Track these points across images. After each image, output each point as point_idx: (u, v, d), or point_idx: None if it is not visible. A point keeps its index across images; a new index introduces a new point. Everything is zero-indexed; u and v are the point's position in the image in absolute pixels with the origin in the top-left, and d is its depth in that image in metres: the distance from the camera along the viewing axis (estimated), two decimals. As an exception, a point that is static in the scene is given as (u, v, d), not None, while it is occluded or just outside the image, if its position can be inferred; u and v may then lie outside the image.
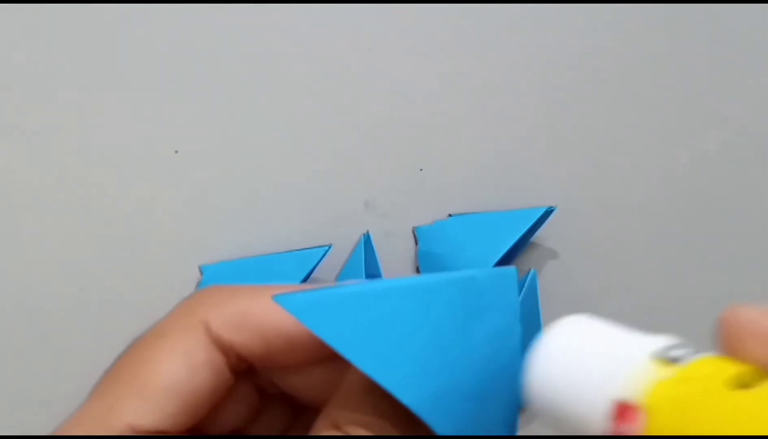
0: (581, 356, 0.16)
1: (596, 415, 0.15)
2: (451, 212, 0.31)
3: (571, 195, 0.31)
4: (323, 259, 0.29)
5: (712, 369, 0.14)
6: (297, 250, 0.30)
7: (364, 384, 0.17)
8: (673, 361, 0.14)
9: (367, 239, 0.30)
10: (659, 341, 0.15)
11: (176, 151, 0.30)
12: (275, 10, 0.29)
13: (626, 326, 0.16)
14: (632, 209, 0.31)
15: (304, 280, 0.29)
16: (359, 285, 0.17)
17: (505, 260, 0.30)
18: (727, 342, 0.15)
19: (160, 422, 0.17)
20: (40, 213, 0.29)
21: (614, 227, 0.31)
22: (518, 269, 0.31)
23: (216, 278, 0.30)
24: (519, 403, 0.18)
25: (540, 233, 0.30)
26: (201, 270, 0.30)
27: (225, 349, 0.18)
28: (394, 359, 0.17)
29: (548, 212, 0.30)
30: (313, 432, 0.17)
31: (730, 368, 0.14)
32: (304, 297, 0.17)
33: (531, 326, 0.31)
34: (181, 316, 0.19)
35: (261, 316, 0.18)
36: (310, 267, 0.29)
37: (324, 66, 0.30)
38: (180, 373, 0.18)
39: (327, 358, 0.19)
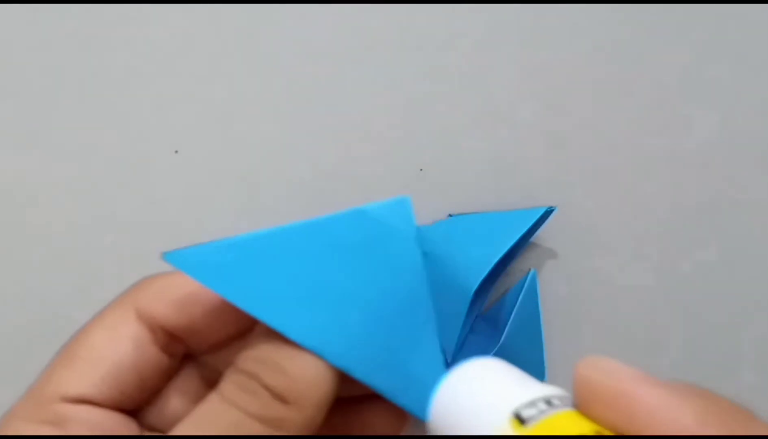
0: (469, 403, 0.16)
1: None
2: (451, 212, 0.31)
3: (571, 195, 0.31)
4: (323, 259, 0.29)
5: (554, 432, 0.14)
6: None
7: (266, 327, 0.17)
8: (524, 421, 0.15)
9: (367, 239, 0.30)
10: (522, 397, 0.15)
11: (176, 151, 0.30)
12: (275, 10, 0.29)
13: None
14: (633, 209, 0.31)
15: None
16: (247, 233, 0.17)
17: (505, 260, 0.30)
18: (578, 399, 0.15)
19: (85, 390, 0.18)
20: (40, 213, 0.29)
21: (614, 227, 0.31)
22: (518, 268, 0.31)
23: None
24: (431, 324, 0.18)
25: (540, 232, 0.30)
26: (201, 270, 0.30)
27: (149, 323, 0.19)
28: (280, 298, 0.17)
29: (548, 212, 0.30)
30: (221, 379, 0.18)
31: (572, 430, 0.14)
32: (188, 250, 0.17)
33: (531, 326, 0.31)
34: (116, 299, 0.20)
35: (178, 286, 0.19)
36: (310, 267, 0.29)
37: (324, 66, 0.30)
38: (103, 345, 0.18)
39: (252, 327, 0.19)
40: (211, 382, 0.20)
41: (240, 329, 0.20)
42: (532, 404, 0.15)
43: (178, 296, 0.19)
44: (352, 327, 0.17)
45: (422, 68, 0.30)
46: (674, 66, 0.31)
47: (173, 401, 0.20)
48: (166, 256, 0.17)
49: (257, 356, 0.17)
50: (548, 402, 0.15)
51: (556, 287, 0.31)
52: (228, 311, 0.19)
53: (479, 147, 0.31)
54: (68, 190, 0.29)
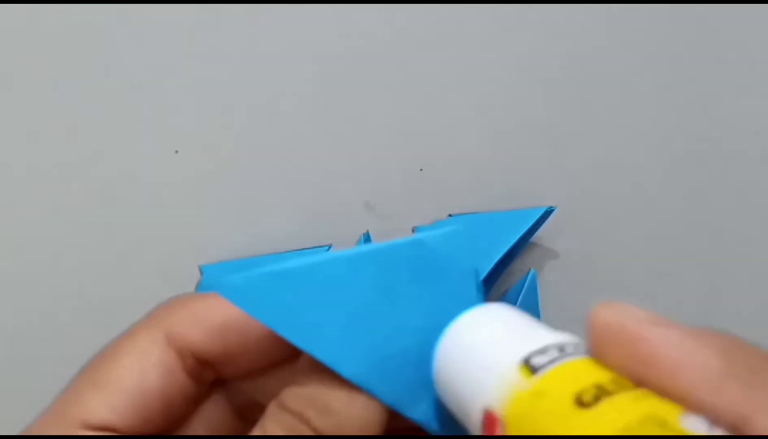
0: (475, 352, 0.15)
1: (475, 418, 0.14)
2: (451, 212, 0.31)
3: (571, 195, 0.31)
4: (323, 259, 0.29)
5: (567, 380, 0.13)
6: (297, 250, 0.30)
7: (312, 361, 0.17)
8: (535, 370, 0.14)
9: (367, 239, 0.30)
10: (532, 344, 0.14)
11: (176, 151, 0.30)
12: (275, 10, 0.29)
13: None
14: (633, 209, 0.31)
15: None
16: (295, 260, 0.16)
17: (505, 260, 0.30)
18: (593, 345, 0.14)
19: (109, 419, 0.17)
20: (40, 213, 0.29)
21: (614, 227, 0.31)
22: (518, 268, 0.31)
23: (216, 278, 0.30)
24: None
25: (540, 232, 0.30)
26: (201, 270, 0.30)
27: (180, 349, 0.18)
28: (331, 331, 0.16)
29: (548, 212, 0.30)
30: (264, 416, 0.17)
31: (587, 378, 0.13)
32: (234, 278, 0.16)
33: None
34: (146, 320, 0.19)
35: (214, 312, 0.18)
36: (310, 267, 0.29)
37: (324, 66, 0.30)
38: (130, 371, 0.18)
39: (290, 355, 0.18)
40: (237, 409, 0.20)
41: (276, 358, 0.19)
42: (542, 351, 0.14)
43: (213, 323, 0.18)
44: (403, 363, 0.16)
45: (422, 68, 0.30)
46: (674, 66, 0.31)
47: (198, 428, 0.19)
48: (217, 286, 0.16)
49: (304, 394, 0.17)
50: (561, 349, 0.14)
51: (556, 287, 0.31)
52: (265, 339, 0.18)
53: (479, 147, 0.31)
54: (67, 189, 0.29)
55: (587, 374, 0.13)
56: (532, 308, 0.31)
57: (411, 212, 0.31)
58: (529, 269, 0.31)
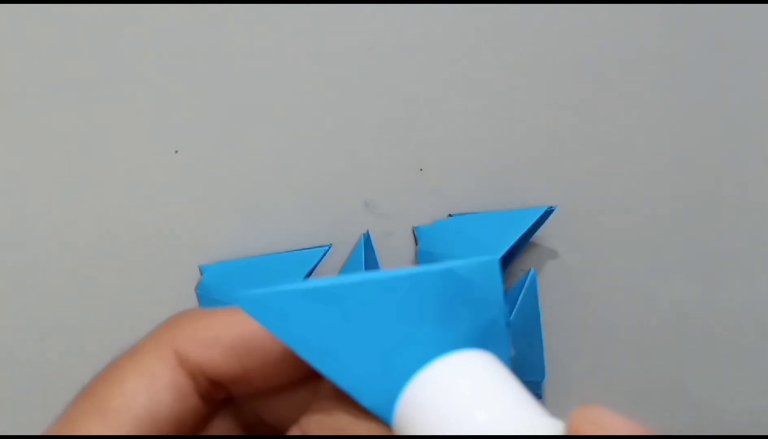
0: (457, 416, 0.14)
1: None
2: (451, 212, 0.31)
3: (571, 195, 0.31)
4: (323, 259, 0.29)
5: None
6: (297, 250, 0.30)
7: (336, 388, 0.16)
8: None
9: (367, 239, 0.30)
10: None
11: (176, 151, 0.30)
12: (275, 10, 0.29)
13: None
14: (633, 209, 0.31)
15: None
16: (326, 279, 0.16)
17: (505, 260, 0.30)
18: None
19: None
20: (40, 213, 0.29)
21: (614, 227, 0.31)
22: (518, 268, 0.31)
23: (216, 278, 0.30)
24: None
25: (540, 232, 0.30)
26: (201, 270, 0.30)
27: (193, 371, 0.17)
28: (357, 358, 0.15)
29: (548, 212, 0.30)
30: None
31: None
32: (260, 293, 0.15)
33: (531, 325, 0.31)
34: (152, 337, 0.18)
35: (231, 331, 0.17)
36: (310, 267, 0.29)
37: (324, 66, 0.30)
38: (140, 394, 0.17)
39: (309, 376, 0.17)
40: (244, 425, 0.19)
41: (292, 379, 0.18)
42: None
43: (227, 342, 0.17)
44: None
45: (422, 68, 0.30)
46: (675, 66, 0.31)
47: None
48: (240, 300, 0.15)
49: (330, 425, 0.16)
50: None
51: (556, 287, 0.31)
52: (283, 359, 0.17)
53: (479, 147, 0.31)
54: (67, 190, 0.29)
55: None
56: (532, 308, 0.31)
57: (411, 212, 0.31)
58: (529, 269, 0.31)
